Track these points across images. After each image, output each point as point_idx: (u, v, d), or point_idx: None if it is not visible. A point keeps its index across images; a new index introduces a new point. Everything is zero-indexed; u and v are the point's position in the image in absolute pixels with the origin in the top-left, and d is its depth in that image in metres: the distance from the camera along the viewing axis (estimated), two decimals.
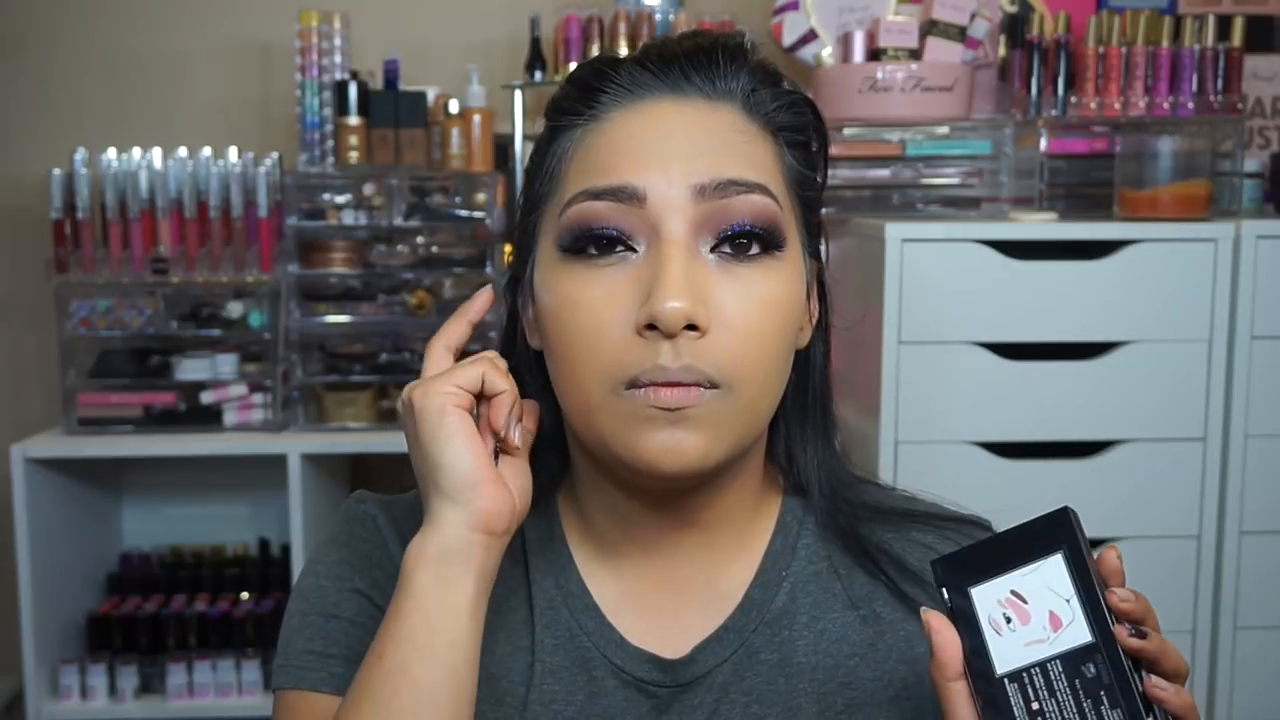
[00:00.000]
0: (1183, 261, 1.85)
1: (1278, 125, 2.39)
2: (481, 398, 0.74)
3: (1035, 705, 0.61)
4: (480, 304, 0.79)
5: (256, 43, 2.50)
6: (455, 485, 0.71)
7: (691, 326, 0.69)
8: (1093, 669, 0.60)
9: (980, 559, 0.65)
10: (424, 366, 0.75)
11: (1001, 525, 0.86)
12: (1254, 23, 2.21)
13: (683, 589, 0.80)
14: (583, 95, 0.76)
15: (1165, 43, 2.08)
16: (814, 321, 0.82)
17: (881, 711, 0.78)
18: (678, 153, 0.72)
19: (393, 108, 2.26)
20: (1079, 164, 2.18)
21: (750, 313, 0.71)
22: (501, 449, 0.75)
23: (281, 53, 2.46)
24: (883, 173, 2.11)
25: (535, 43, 2.32)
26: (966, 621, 0.64)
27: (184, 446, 2.23)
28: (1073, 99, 2.10)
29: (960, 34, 2.07)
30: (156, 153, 2.24)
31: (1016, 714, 0.62)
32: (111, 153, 2.23)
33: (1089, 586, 0.61)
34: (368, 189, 2.27)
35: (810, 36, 2.17)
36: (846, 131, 2.09)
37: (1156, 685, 0.60)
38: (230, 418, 2.27)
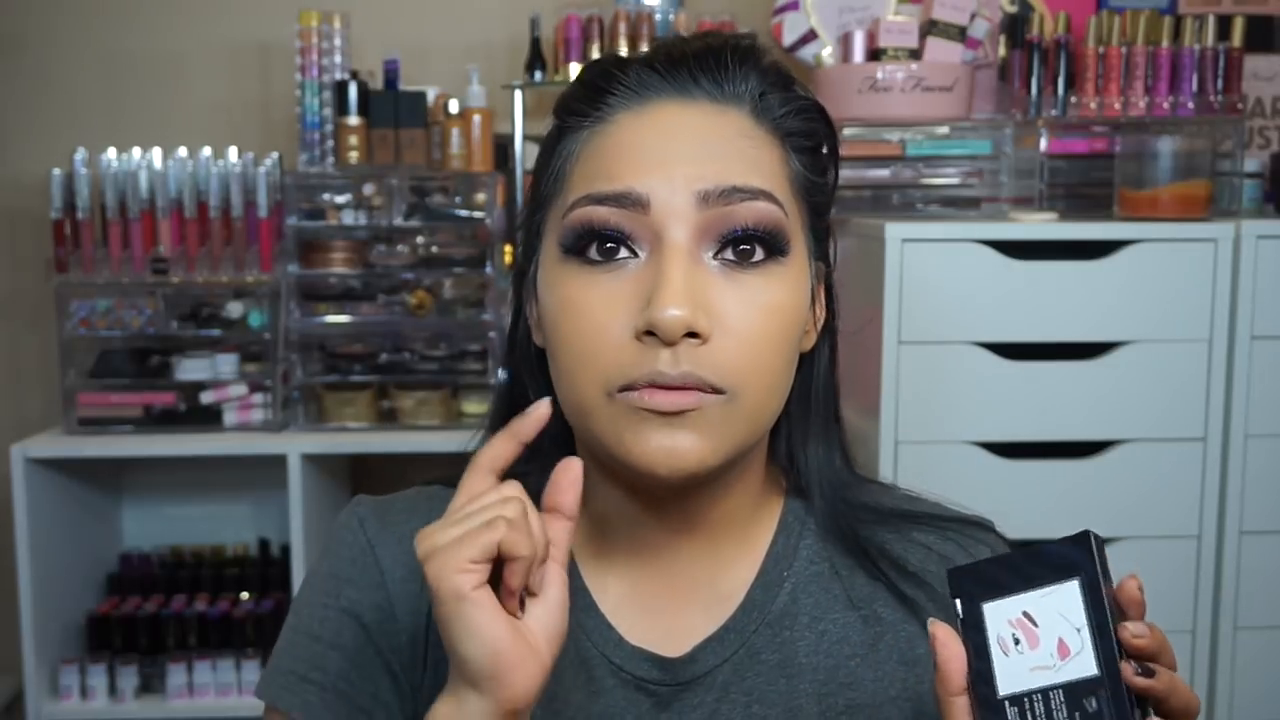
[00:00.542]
0: (1183, 261, 1.85)
1: (1278, 125, 2.39)
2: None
3: None
4: (533, 422, 0.68)
5: (256, 43, 2.50)
6: (477, 676, 0.63)
7: (692, 334, 0.69)
8: (1094, 704, 0.60)
9: (997, 574, 0.64)
10: (460, 485, 0.67)
11: (1002, 525, 0.87)
12: (1254, 23, 2.21)
13: (685, 590, 0.80)
14: (590, 96, 0.76)
15: (1165, 43, 2.08)
16: (819, 325, 0.81)
17: (882, 712, 0.78)
18: (682, 158, 0.72)
19: (393, 108, 2.26)
20: (1079, 164, 2.18)
21: (753, 319, 0.71)
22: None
23: (281, 53, 2.46)
24: (883, 173, 2.11)
25: (535, 43, 2.32)
26: (975, 636, 0.64)
27: (184, 446, 2.23)
28: (1073, 99, 2.10)
29: (960, 34, 2.07)
30: (156, 153, 2.24)
31: None
32: (111, 153, 2.23)
33: (1102, 619, 0.60)
34: (368, 189, 2.27)
35: (810, 36, 2.17)
36: (846, 131, 2.09)
37: None
38: (230, 418, 2.27)
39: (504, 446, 0.68)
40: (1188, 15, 2.13)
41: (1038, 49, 2.09)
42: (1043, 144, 2.15)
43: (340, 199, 2.29)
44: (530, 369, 0.81)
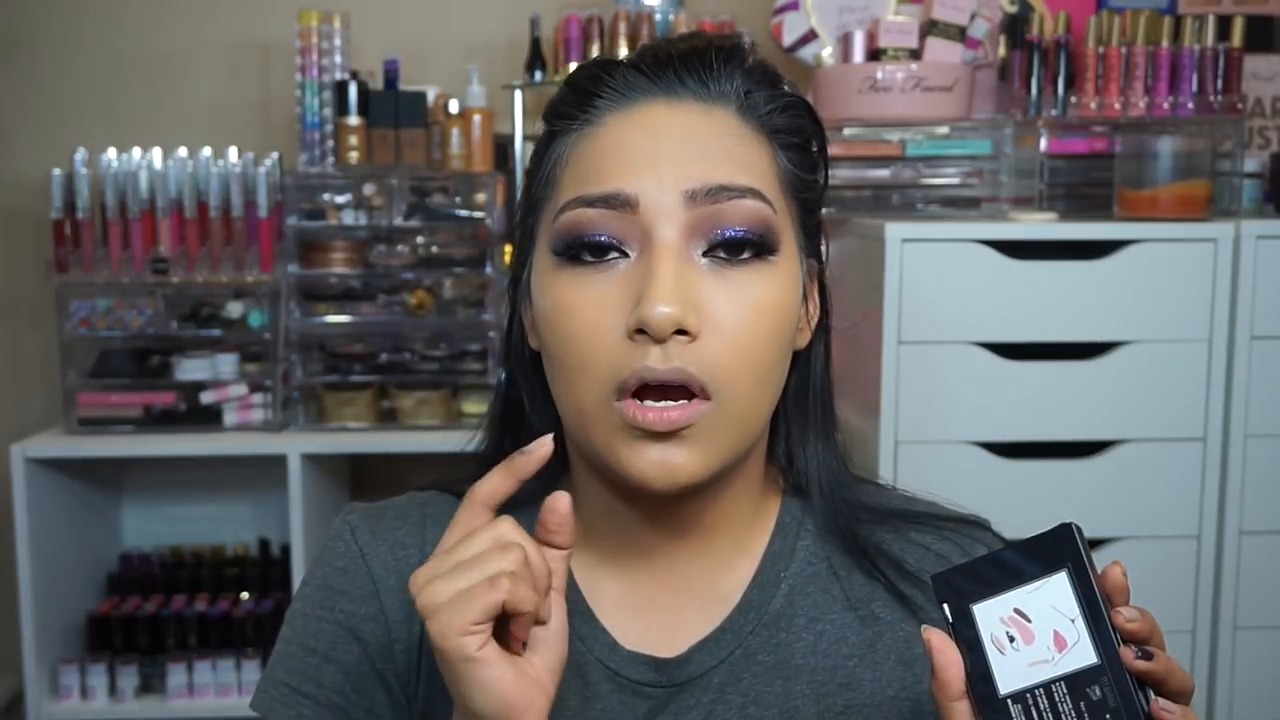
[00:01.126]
0: (1183, 261, 1.85)
1: (1278, 125, 2.39)
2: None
3: None
4: (533, 461, 0.68)
5: (256, 43, 2.50)
6: None
7: (682, 331, 0.69)
8: (1098, 691, 0.60)
9: (982, 574, 0.64)
10: (454, 520, 0.67)
11: (1002, 525, 0.87)
12: (1254, 23, 2.21)
13: (681, 592, 0.80)
14: (577, 99, 0.76)
15: (1165, 43, 2.08)
16: (813, 323, 0.81)
17: (880, 712, 0.78)
18: (670, 157, 0.72)
19: (393, 108, 2.26)
20: (1079, 164, 2.18)
21: (743, 317, 0.71)
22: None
23: (281, 53, 2.46)
24: (883, 173, 2.11)
25: (535, 43, 2.32)
26: (968, 639, 0.63)
27: (184, 446, 2.23)
28: (1073, 99, 2.10)
29: (960, 34, 2.07)
30: (156, 153, 2.24)
31: None
32: (111, 153, 2.23)
33: (1094, 606, 0.61)
34: (368, 189, 2.27)
35: (810, 36, 2.17)
36: (846, 131, 2.09)
37: (1163, 708, 0.59)
38: (230, 418, 2.27)
39: (501, 482, 0.68)
40: (1188, 15, 2.13)
41: (1038, 49, 2.09)
42: (1043, 144, 2.15)
43: (340, 199, 2.29)
44: (525, 372, 0.81)
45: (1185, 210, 1.90)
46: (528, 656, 0.65)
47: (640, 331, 0.69)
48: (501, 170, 2.35)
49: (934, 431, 1.85)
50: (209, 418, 2.27)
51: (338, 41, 2.28)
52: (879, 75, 2.02)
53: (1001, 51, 2.23)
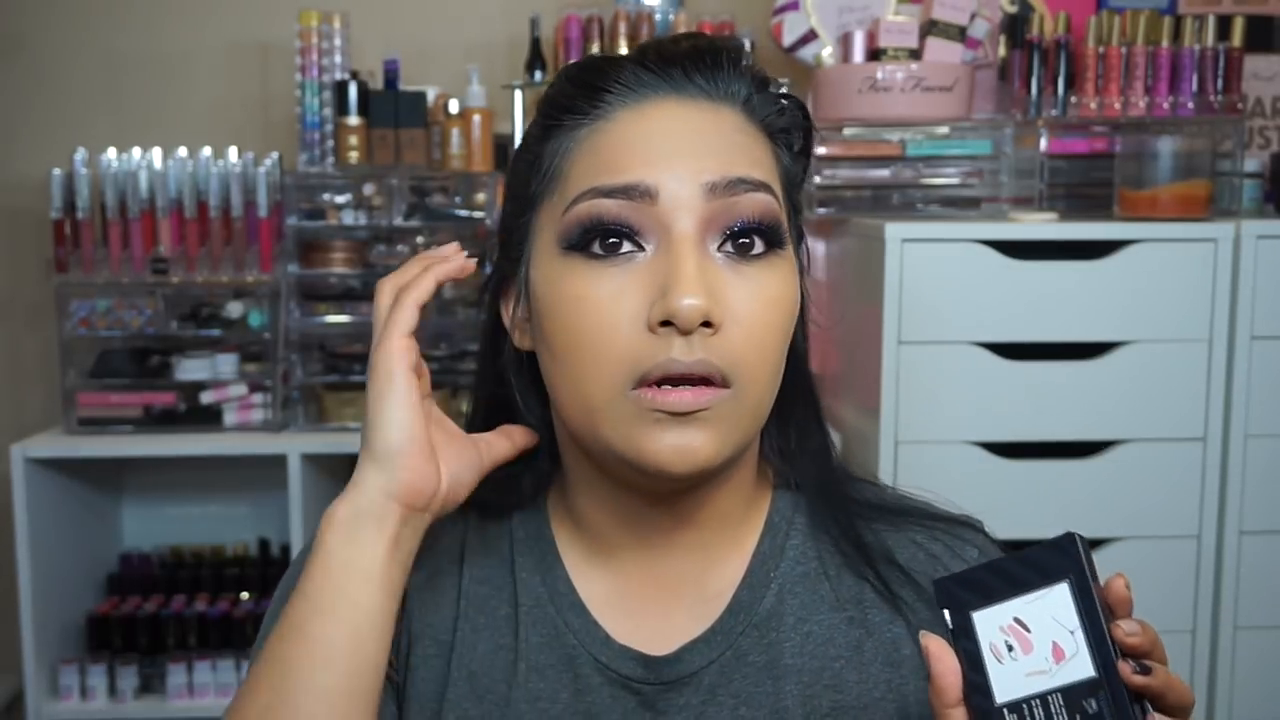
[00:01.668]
0: (1183, 261, 1.85)
1: (1278, 125, 2.39)
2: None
3: None
4: (452, 267, 0.77)
5: (256, 43, 2.50)
6: (384, 450, 0.72)
7: (706, 323, 0.70)
8: (1094, 705, 0.59)
9: (983, 581, 0.64)
10: (391, 316, 0.75)
11: (1001, 526, 0.87)
12: (1254, 23, 2.21)
13: (673, 589, 0.80)
14: (585, 94, 0.76)
15: (1165, 43, 2.08)
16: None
17: (867, 714, 0.78)
18: (687, 151, 0.73)
19: (393, 108, 2.26)
20: (1079, 164, 2.18)
21: (758, 310, 0.72)
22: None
23: (281, 53, 2.46)
24: (883, 173, 2.11)
25: (535, 43, 2.32)
26: (967, 646, 0.63)
27: (184, 446, 2.23)
28: (1073, 99, 2.10)
29: (960, 34, 2.07)
30: (156, 153, 2.24)
31: None
32: (111, 153, 2.23)
33: (1094, 618, 0.60)
34: (368, 189, 2.27)
35: (810, 36, 2.17)
36: (846, 131, 2.09)
37: None
38: (230, 418, 2.27)
39: (426, 282, 0.76)
40: (1188, 15, 2.13)
41: (1038, 49, 2.09)
42: (1043, 144, 2.15)
43: (340, 199, 2.29)
44: (518, 375, 0.81)
45: (1185, 210, 1.90)
46: (439, 448, 0.74)
47: (665, 324, 0.69)
48: (501, 170, 2.35)
49: (934, 431, 1.85)
50: (209, 418, 2.27)
51: (338, 41, 2.28)
52: (879, 75, 2.02)
53: (1001, 51, 2.23)
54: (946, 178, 2.12)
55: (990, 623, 0.63)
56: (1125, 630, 0.60)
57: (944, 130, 2.10)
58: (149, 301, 2.26)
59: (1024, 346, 1.85)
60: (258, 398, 2.28)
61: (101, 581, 2.43)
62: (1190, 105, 2.09)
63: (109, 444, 2.23)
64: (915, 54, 2.05)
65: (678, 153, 0.72)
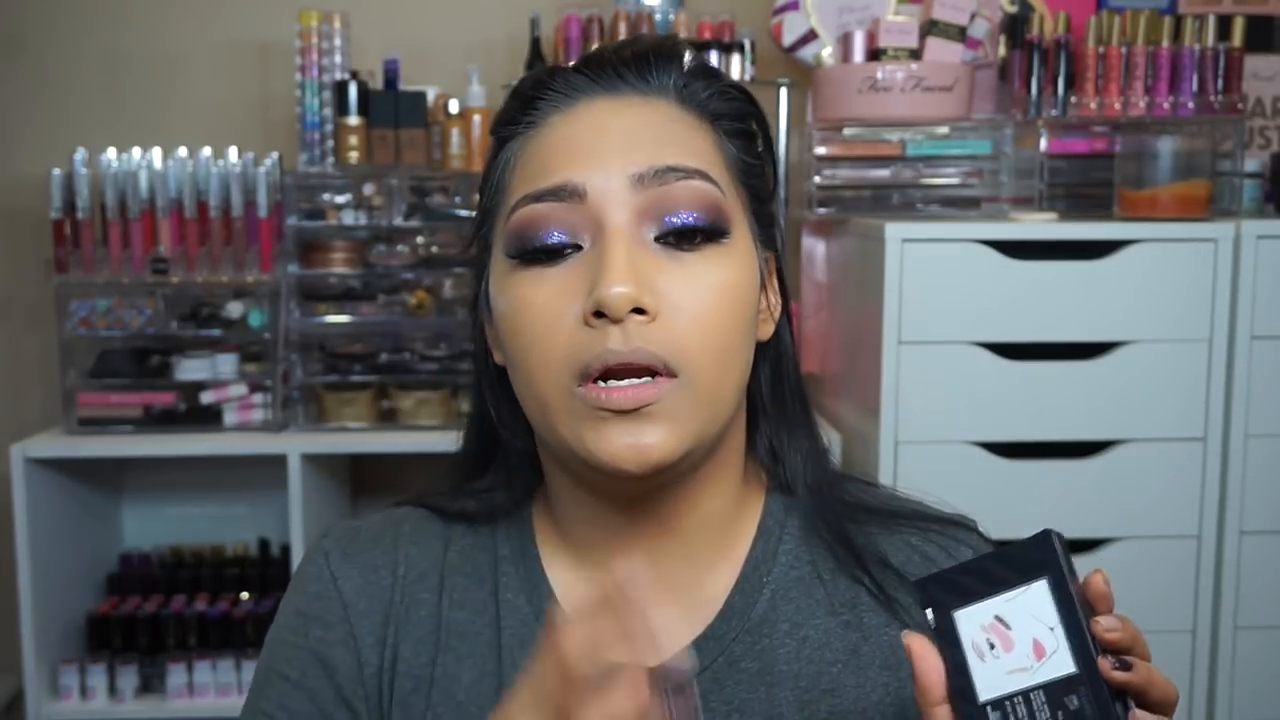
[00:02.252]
0: (1183, 261, 1.85)
1: (1278, 125, 2.39)
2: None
3: None
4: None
5: (256, 43, 2.50)
6: None
7: (639, 310, 0.69)
8: (1075, 701, 0.59)
9: (965, 580, 0.64)
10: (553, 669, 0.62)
11: (1001, 526, 0.87)
12: (1254, 23, 2.21)
13: (663, 596, 0.79)
14: (522, 106, 0.77)
15: (1165, 43, 2.08)
16: (775, 313, 0.82)
17: (865, 718, 0.77)
18: (614, 147, 0.73)
19: (393, 108, 2.26)
20: (1079, 164, 2.18)
21: (700, 297, 0.72)
22: None
23: (281, 53, 2.46)
24: (883, 173, 2.11)
25: (535, 43, 2.32)
26: (950, 645, 0.63)
27: (184, 446, 2.23)
28: (1073, 99, 2.10)
29: (960, 34, 2.07)
30: (156, 153, 2.24)
31: None
32: (111, 153, 2.23)
33: (1073, 615, 0.60)
34: (368, 189, 2.27)
35: (810, 36, 2.17)
36: (846, 131, 2.09)
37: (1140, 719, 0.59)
38: (230, 418, 2.27)
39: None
40: (1188, 15, 2.13)
41: (1038, 49, 2.09)
42: (1043, 144, 2.15)
43: (340, 199, 2.29)
44: (492, 389, 0.81)
45: (1185, 210, 1.90)
46: None
47: (598, 315, 0.69)
48: None
49: (934, 431, 1.85)
50: (209, 418, 2.27)
51: (338, 41, 2.28)
52: (879, 75, 2.02)
53: (1001, 51, 2.23)
54: (946, 178, 2.12)
55: (972, 621, 0.63)
56: (1104, 626, 0.60)
57: (944, 130, 2.10)
58: (149, 301, 2.26)
59: (1024, 346, 1.85)
60: (258, 398, 2.28)
61: (101, 581, 2.43)
62: (1190, 105, 2.09)
63: (109, 444, 2.23)
64: (915, 54, 2.05)
65: (606, 149, 0.73)
